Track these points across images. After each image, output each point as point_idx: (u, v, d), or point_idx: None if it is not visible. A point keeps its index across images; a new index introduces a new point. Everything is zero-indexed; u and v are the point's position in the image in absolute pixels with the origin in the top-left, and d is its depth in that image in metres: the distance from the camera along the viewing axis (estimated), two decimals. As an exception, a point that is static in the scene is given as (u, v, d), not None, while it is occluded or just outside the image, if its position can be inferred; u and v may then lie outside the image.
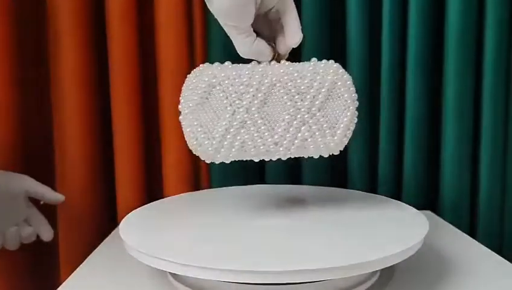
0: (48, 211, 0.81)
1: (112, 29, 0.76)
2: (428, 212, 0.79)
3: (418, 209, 0.61)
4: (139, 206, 0.63)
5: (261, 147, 0.52)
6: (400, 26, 0.80)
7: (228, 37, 0.53)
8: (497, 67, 0.78)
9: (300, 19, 0.79)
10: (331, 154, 0.53)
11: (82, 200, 0.78)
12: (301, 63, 0.54)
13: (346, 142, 0.53)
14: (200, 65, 0.52)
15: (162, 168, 0.81)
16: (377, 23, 0.80)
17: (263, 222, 0.56)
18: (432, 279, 0.53)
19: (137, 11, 0.78)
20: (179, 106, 0.51)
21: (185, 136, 0.51)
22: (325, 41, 0.81)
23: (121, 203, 0.79)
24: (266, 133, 0.51)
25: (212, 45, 0.79)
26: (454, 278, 0.53)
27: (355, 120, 0.53)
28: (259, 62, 0.53)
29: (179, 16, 0.76)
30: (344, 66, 0.80)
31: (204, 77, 0.50)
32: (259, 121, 0.51)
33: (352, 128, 0.53)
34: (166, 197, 0.78)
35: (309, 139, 0.52)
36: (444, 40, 0.79)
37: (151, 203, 0.66)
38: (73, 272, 0.57)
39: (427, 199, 0.83)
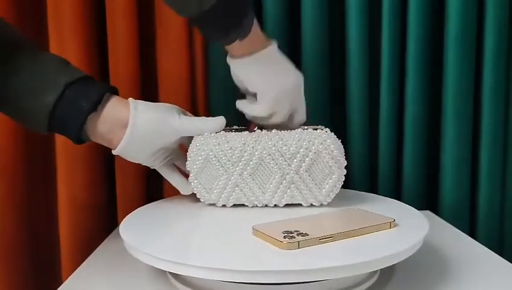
0: (48, 211, 0.82)
1: (113, 27, 0.76)
2: (428, 212, 0.79)
3: (418, 209, 0.61)
4: (139, 206, 0.63)
5: (255, 202, 0.60)
6: (400, 26, 0.80)
7: None
8: (497, 67, 0.78)
9: (299, 19, 0.80)
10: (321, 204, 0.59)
11: (82, 200, 0.78)
12: (289, 132, 0.59)
13: (334, 196, 0.59)
14: (201, 136, 0.59)
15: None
16: (377, 23, 0.80)
17: (263, 222, 0.55)
18: (432, 279, 0.53)
19: (138, 10, 0.78)
20: (186, 167, 0.60)
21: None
22: (325, 42, 0.81)
23: (121, 203, 0.79)
24: (258, 191, 0.59)
25: (211, 45, 0.80)
26: (454, 278, 0.53)
27: (343, 178, 0.59)
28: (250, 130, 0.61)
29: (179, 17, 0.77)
30: (344, 66, 0.81)
31: (201, 152, 0.59)
32: (251, 183, 0.59)
33: (340, 185, 0.59)
34: (166, 197, 0.78)
35: (298, 196, 0.59)
36: (443, 40, 0.79)
37: (151, 203, 0.66)
38: (73, 272, 0.57)
39: (427, 199, 0.83)
